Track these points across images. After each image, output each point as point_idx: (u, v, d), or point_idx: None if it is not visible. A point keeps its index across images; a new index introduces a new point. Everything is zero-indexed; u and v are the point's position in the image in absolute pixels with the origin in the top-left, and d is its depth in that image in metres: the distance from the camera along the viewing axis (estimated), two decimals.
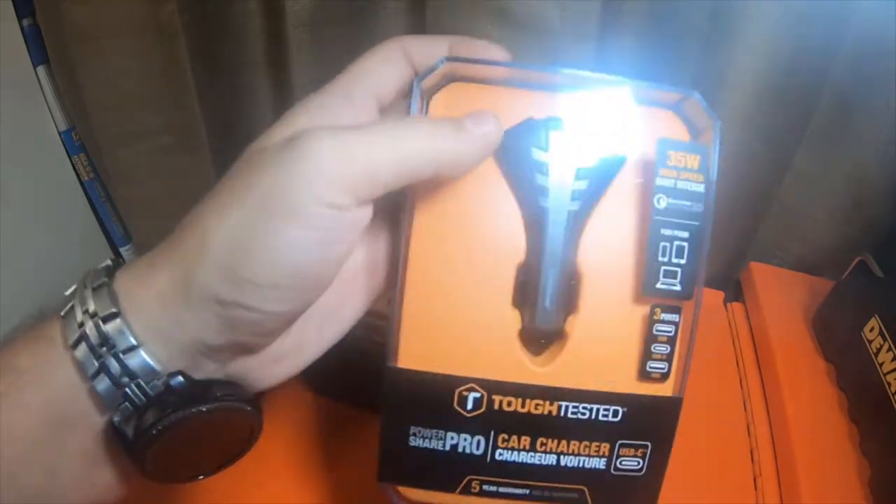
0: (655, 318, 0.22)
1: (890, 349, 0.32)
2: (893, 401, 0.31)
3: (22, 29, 0.43)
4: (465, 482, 0.23)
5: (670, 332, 0.23)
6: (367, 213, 0.20)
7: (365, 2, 0.45)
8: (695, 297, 0.22)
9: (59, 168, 0.49)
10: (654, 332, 0.22)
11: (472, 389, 0.22)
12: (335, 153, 0.18)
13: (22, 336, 0.20)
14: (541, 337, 0.23)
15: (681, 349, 0.23)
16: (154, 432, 0.19)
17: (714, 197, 0.22)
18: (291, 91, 0.46)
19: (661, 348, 0.23)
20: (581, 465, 0.23)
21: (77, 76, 0.43)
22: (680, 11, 0.39)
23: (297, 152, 0.18)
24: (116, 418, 0.19)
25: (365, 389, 0.36)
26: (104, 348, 0.18)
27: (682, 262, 0.22)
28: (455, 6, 0.40)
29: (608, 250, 0.23)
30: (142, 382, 0.19)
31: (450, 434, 0.23)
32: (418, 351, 0.23)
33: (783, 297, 0.43)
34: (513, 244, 0.23)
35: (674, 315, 0.22)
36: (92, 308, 0.19)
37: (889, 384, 0.32)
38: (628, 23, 0.41)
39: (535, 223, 0.22)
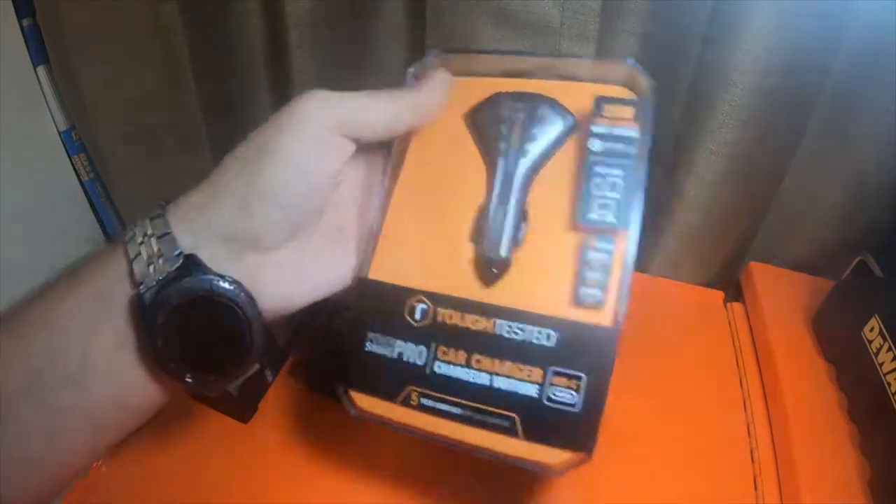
0: (589, 244, 0.24)
1: (890, 349, 0.32)
2: (893, 401, 0.31)
3: (22, 29, 0.43)
4: (405, 392, 0.25)
5: (604, 260, 0.24)
6: (350, 144, 0.26)
7: (365, 2, 0.45)
8: (629, 231, 0.24)
9: (59, 168, 0.49)
10: (587, 258, 0.24)
11: (421, 301, 0.25)
12: (325, 101, 0.25)
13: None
14: (492, 266, 0.25)
15: (617, 281, 0.24)
16: (164, 298, 0.23)
17: (652, 146, 0.24)
18: (291, 91, 0.46)
19: (594, 275, 0.24)
20: (513, 389, 0.24)
21: (77, 76, 0.43)
22: (680, 11, 0.39)
23: (297, 100, 0.25)
24: (143, 289, 0.23)
25: None
26: (145, 237, 0.24)
27: (617, 196, 0.24)
28: (455, 6, 0.40)
29: (553, 194, 0.26)
30: (167, 259, 0.23)
31: (398, 342, 0.25)
32: (386, 267, 0.27)
33: (783, 297, 0.43)
34: (476, 190, 0.27)
35: (608, 244, 0.24)
36: (147, 215, 0.25)
37: (889, 384, 0.32)
38: (628, 23, 0.41)
39: (494, 174, 0.26)
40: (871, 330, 0.34)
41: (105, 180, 0.50)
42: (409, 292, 0.26)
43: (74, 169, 0.49)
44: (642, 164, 0.24)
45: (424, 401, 0.25)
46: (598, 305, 0.24)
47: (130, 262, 0.24)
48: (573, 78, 0.27)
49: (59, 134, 0.48)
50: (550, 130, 0.26)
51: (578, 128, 0.26)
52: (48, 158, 0.48)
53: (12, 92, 0.43)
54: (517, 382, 0.24)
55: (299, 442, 0.35)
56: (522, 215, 0.26)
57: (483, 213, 0.26)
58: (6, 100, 0.42)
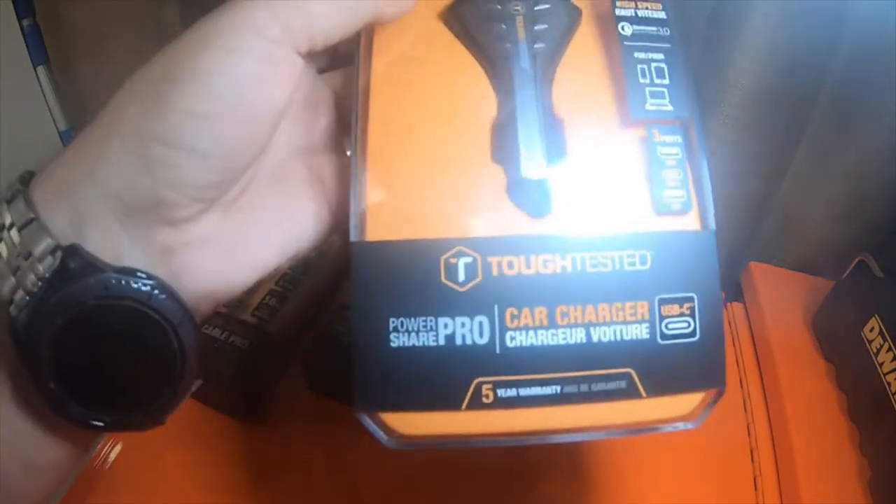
0: (656, 139, 0.19)
1: (890, 349, 0.32)
2: (893, 401, 0.31)
3: (22, 29, 0.43)
4: (472, 389, 0.18)
5: (677, 154, 0.19)
6: (298, 59, 0.18)
7: None
8: (693, 118, 0.20)
9: None
10: (660, 156, 0.19)
11: (462, 253, 0.18)
12: (266, 11, 0.17)
13: None
14: (531, 192, 0.19)
15: (698, 177, 0.19)
16: (44, 318, 0.16)
17: (678, 28, 0.21)
18: None
19: (671, 174, 0.19)
20: (619, 336, 0.18)
21: (77, 76, 0.43)
22: (679, 12, 0.39)
23: (224, 6, 0.17)
24: (13, 310, 0.16)
25: None
26: (2, 231, 0.16)
27: (666, 82, 0.20)
28: None
29: (584, 92, 0.21)
30: (36, 257, 0.16)
31: (442, 320, 0.18)
32: (389, 218, 0.18)
33: (783, 297, 0.43)
34: (481, 101, 0.20)
35: (676, 136, 0.20)
36: (1, 204, 0.17)
37: (889, 384, 0.32)
38: None
39: (504, 79, 0.20)
40: (871, 330, 0.34)
41: None
42: (440, 246, 0.18)
43: None
44: (681, 47, 0.21)
45: (503, 392, 0.18)
46: (685, 208, 0.19)
47: None
48: None
49: (59, 134, 0.48)
50: (557, 23, 0.21)
51: (580, 18, 0.22)
52: (48, 158, 0.48)
53: (12, 92, 0.43)
54: (622, 326, 0.18)
55: (299, 442, 0.35)
56: (556, 120, 0.20)
57: (503, 125, 0.20)
58: (6, 100, 0.42)
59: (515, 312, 0.18)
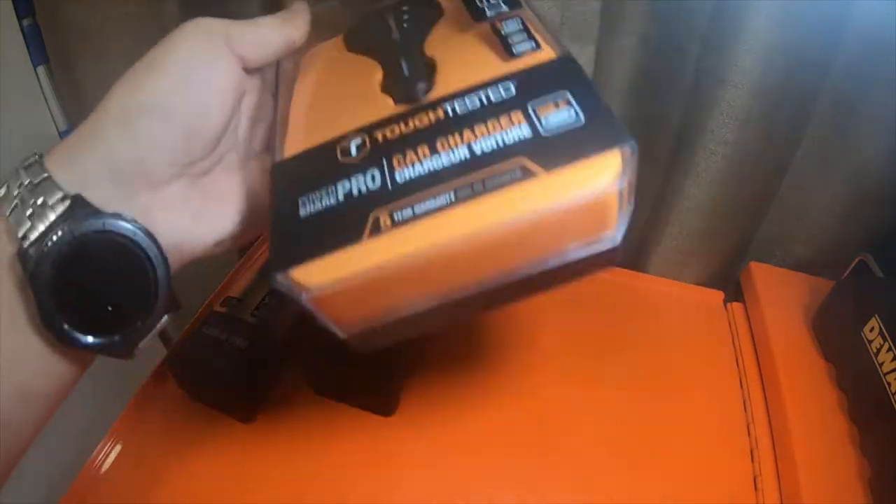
0: (498, 27, 0.24)
1: (890, 349, 0.32)
2: (893, 401, 0.31)
3: (22, 29, 0.43)
4: (371, 222, 0.19)
5: (518, 26, 0.24)
6: (238, 64, 0.25)
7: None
8: (524, 6, 0.25)
9: None
10: (504, 32, 0.24)
11: (352, 137, 0.22)
12: (211, 19, 0.24)
13: None
14: (416, 94, 0.23)
15: (541, 30, 0.23)
16: (51, 247, 0.20)
17: None
18: None
19: (518, 36, 0.23)
20: (501, 143, 0.20)
21: (77, 76, 0.43)
22: (680, 12, 0.39)
23: (183, 23, 0.24)
24: (26, 244, 0.20)
25: (365, 389, 0.36)
26: (20, 188, 0.21)
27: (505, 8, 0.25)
28: None
29: (448, 42, 0.25)
30: (49, 206, 0.21)
31: (340, 183, 0.20)
32: (299, 140, 0.23)
33: (783, 297, 0.43)
34: (373, 73, 0.25)
35: (514, 19, 0.24)
36: (19, 169, 0.22)
37: (889, 384, 0.32)
38: (628, 23, 0.41)
39: (390, 51, 0.26)
40: (871, 330, 0.34)
41: None
42: (335, 140, 0.22)
43: None
44: None
45: (399, 215, 0.19)
46: (535, 49, 0.22)
47: (6, 218, 0.21)
48: None
49: (59, 134, 0.48)
50: (419, 13, 0.28)
51: (441, 12, 0.27)
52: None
53: (12, 92, 0.43)
54: (502, 135, 0.20)
55: (299, 442, 0.35)
56: (423, 56, 0.25)
57: (386, 71, 0.25)
58: (6, 100, 0.42)
59: (400, 158, 0.20)
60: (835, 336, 0.39)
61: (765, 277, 0.45)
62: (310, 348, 0.35)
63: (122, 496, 0.33)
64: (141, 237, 0.22)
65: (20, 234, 0.20)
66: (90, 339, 0.21)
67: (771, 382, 0.38)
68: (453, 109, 0.21)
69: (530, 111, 0.20)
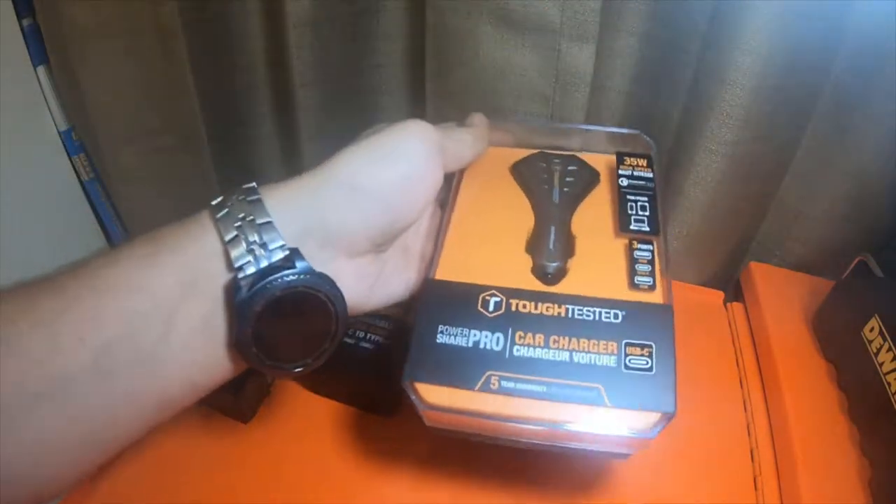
0: (634, 247, 0.30)
1: (890, 349, 0.32)
2: (893, 401, 0.31)
3: (22, 29, 0.43)
4: (484, 378, 0.26)
5: (648, 256, 0.30)
6: (441, 171, 0.29)
7: (365, 2, 0.45)
8: (660, 237, 0.30)
9: (59, 168, 0.49)
10: (635, 256, 0.30)
11: (494, 294, 0.28)
12: (428, 125, 0.29)
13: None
14: (548, 273, 0.29)
15: (661, 271, 0.29)
16: (265, 288, 0.23)
17: (659, 183, 0.33)
18: (291, 91, 0.47)
19: (643, 267, 0.29)
20: (593, 362, 0.26)
21: (77, 76, 0.43)
22: (680, 11, 0.39)
23: (404, 121, 0.28)
24: (241, 275, 0.23)
25: (365, 390, 0.36)
26: (242, 221, 0.24)
27: (647, 213, 0.31)
28: (455, 6, 0.40)
29: (592, 220, 0.32)
30: (269, 249, 0.24)
31: (473, 331, 0.27)
32: (452, 269, 0.29)
33: (783, 297, 0.43)
34: (524, 217, 0.32)
35: (648, 245, 0.30)
36: (237, 194, 0.25)
37: (889, 384, 0.32)
38: (628, 23, 0.41)
39: (541, 204, 0.33)
40: (871, 330, 0.34)
41: (105, 180, 0.50)
42: (480, 288, 0.28)
43: (74, 169, 0.49)
44: (658, 195, 0.32)
45: (506, 383, 0.25)
46: (651, 289, 0.28)
47: (225, 243, 0.23)
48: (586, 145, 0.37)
49: (59, 134, 0.48)
50: (581, 179, 0.34)
51: (599, 177, 0.34)
52: (48, 158, 0.48)
53: (12, 92, 0.43)
54: (596, 356, 0.26)
55: (299, 442, 0.35)
56: (569, 233, 0.31)
57: (535, 231, 0.31)
58: (6, 100, 0.42)
59: (522, 334, 0.27)
60: (835, 336, 0.39)
61: (765, 277, 0.45)
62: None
63: (123, 497, 0.33)
64: (337, 297, 0.25)
65: (237, 264, 0.23)
66: (267, 364, 0.24)
67: (771, 382, 0.38)
68: (574, 313, 0.27)
69: (622, 347, 0.26)
